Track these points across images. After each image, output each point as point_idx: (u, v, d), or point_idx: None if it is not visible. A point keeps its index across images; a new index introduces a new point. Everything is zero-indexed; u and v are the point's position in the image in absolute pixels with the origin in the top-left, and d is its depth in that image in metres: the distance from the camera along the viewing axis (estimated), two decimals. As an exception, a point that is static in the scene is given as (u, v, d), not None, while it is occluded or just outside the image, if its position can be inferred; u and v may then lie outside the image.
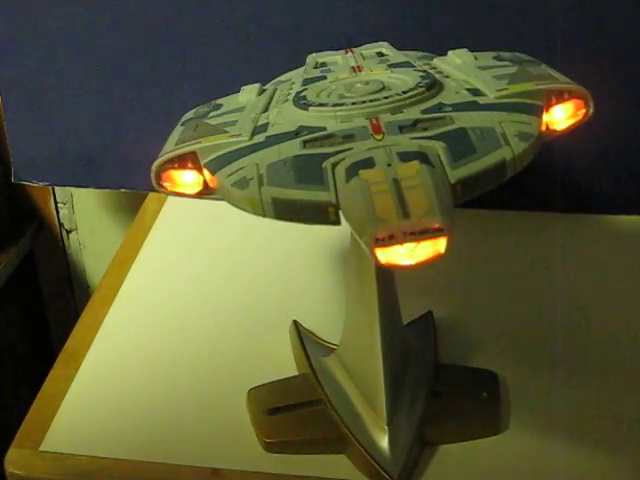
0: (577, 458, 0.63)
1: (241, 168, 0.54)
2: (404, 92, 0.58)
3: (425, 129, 0.54)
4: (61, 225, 1.16)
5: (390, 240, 0.45)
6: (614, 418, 0.67)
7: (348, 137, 0.54)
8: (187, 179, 0.60)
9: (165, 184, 0.61)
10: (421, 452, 0.63)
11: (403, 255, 0.46)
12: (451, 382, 0.67)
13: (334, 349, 0.69)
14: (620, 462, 0.63)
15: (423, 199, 0.46)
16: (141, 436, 0.67)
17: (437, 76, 0.62)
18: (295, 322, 0.74)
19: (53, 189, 1.13)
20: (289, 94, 0.64)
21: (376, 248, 0.45)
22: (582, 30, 0.84)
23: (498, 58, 0.66)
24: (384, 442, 0.62)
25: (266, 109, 0.63)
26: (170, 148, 0.61)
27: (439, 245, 0.45)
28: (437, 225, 0.45)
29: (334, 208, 0.49)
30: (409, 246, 0.45)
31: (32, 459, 0.66)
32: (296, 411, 0.66)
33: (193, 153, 0.59)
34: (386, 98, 0.58)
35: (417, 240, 0.45)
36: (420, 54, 0.71)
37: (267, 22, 0.88)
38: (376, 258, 0.45)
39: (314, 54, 0.74)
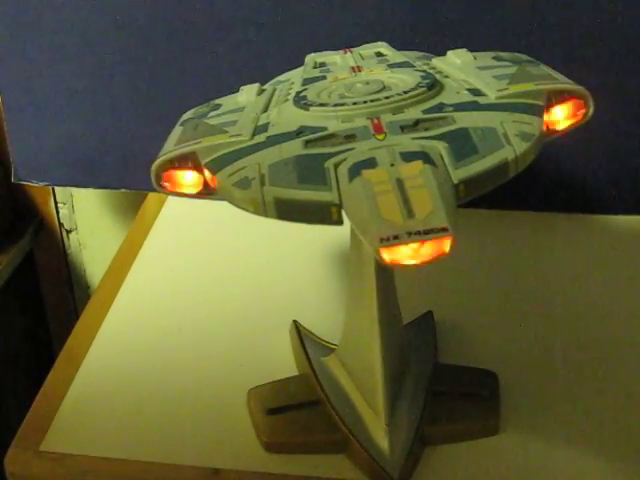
0: (577, 458, 0.63)
1: (242, 168, 0.54)
2: (405, 92, 0.58)
3: (427, 129, 0.54)
4: (61, 225, 1.16)
5: (395, 240, 0.45)
6: (614, 418, 0.67)
7: (350, 137, 0.54)
8: (187, 179, 0.60)
9: (165, 184, 0.61)
10: (421, 452, 0.63)
11: (407, 255, 0.46)
12: (451, 382, 0.67)
13: (334, 349, 0.69)
14: (620, 462, 0.63)
15: (427, 199, 0.46)
16: (141, 436, 0.67)
17: (437, 76, 0.62)
18: (295, 322, 0.74)
19: (53, 189, 1.13)
20: (289, 94, 0.64)
21: (381, 248, 0.45)
22: (582, 30, 0.84)
23: (497, 58, 0.66)
24: (384, 442, 0.62)
25: (266, 109, 0.63)
26: (170, 148, 0.61)
27: (443, 245, 0.45)
28: (442, 225, 0.45)
29: (337, 208, 0.49)
30: (414, 246, 0.45)
31: (32, 459, 0.66)
32: (296, 411, 0.66)
33: (193, 153, 0.59)
34: (387, 98, 0.58)
35: (422, 240, 0.45)
36: (419, 54, 0.71)
37: (267, 22, 0.88)
38: (381, 258, 0.45)
39: (313, 54, 0.74)
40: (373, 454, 0.61)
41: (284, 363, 0.72)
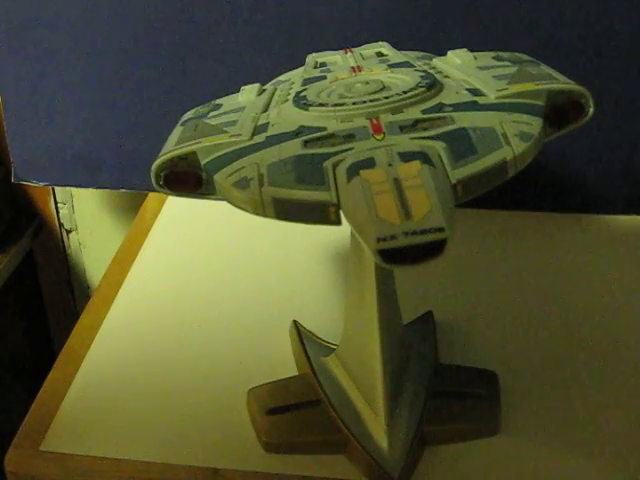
0: (576, 458, 0.63)
1: (241, 168, 0.54)
2: (404, 92, 0.58)
3: (426, 129, 0.54)
4: (61, 225, 1.16)
5: (392, 240, 0.45)
6: (614, 418, 0.67)
7: (349, 137, 0.54)
8: (187, 179, 0.60)
9: (165, 184, 0.61)
10: (421, 452, 0.63)
11: (404, 255, 0.46)
12: (451, 382, 0.67)
13: (334, 349, 0.69)
14: (619, 462, 0.63)
15: (424, 199, 0.46)
16: (141, 436, 0.67)
17: (437, 76, 0.62)
18: (295, 322, 0.74)
19: (53, 189, 1.13)
20: (289, 94, 0.64)
21: (378, 248, 0.45)
22: (582, 30, 0.84)
23: (497, 58, 0.66)
24: (384, 442, 0.62)
25: (266, 109, 0.63)
26: (170, 148, 0.61)
27: (440, 245, 0.45)
28: (439, 225, 0.45)
29: (335, 208, 0.49)
30: (411, 246, 0.45)
31: (32, 459, 0.66)
32: (296, 411, 0.66)
33: (193, 153, 0.59)
34: (386, 98, 0.58)
35: (418, 240, 0.45)
36: (419, 54, 0.71)
37: (267, 22, 0.88)
38: (378, 258, 0.45)
39: (313, 54, 0.74)
40: (373, 454, 0.61)
41: (284, 363, 0.72)
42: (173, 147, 0.61)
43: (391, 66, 0.66)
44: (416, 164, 0.49)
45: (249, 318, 0.78)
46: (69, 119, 0.96)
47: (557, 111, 0.58)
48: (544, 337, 0.75)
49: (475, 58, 0.66)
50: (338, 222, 0.49)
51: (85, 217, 1.16)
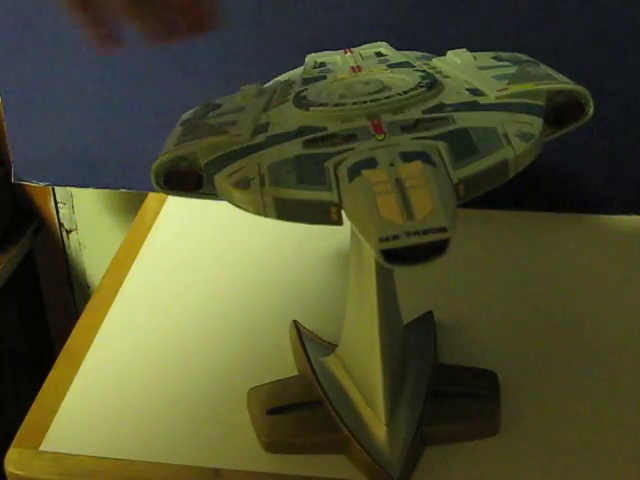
0: (576, 458, 0.63)
1: (242, 168, 0.54)
2: (405, 92, 0.58)
3: (427, 129, 0.54)
4: (61, 225, 1.16)
5: (394, 240, 0.45)
6: (614, 418, 0.67)
7: (350, 137, 0.54)
8: (187, 179, 0.60)
9: (165, 184, 0.61)
10: (421, 452, 0.63)
11: (407, 255, 0.46)
12: (451, 382, 0.67)
13: (334, 349, 0.69)
14: (619, 462, 0.63)
15: (426, 199, 0.46)
16: (141, 436, 0.67)
17: (437, 76, 0.62)
18: (295, 322, 0.74)
19: (53, 189, 1.13)
20: (289, 94, 0.64)
21: (380, 248, 0.45)
22: (582, 30, 0.84)
23: (497, 58, 0.66)
24: (384, 442, 0.62)
25: (266, 109, 0.63)
26: (170, 148, 0.61)
27: (442, 245, 0.45)
28: (441, 225, 0.45)
29: (336, 208, 0.49)
30: (413, 246, 0.45)
31: (32, 459, 0.66)
32: (296, 411, 0.66)
33: (193, 153, 0.59)
34: (387, 98, 0.58)
35: (421, 240, 0.45)
36: (419, 54, 0.71)
37: (267, 22, 0.88)
38: (380, 258, 0.45)
39: (313, 54, 0.74)
40: (373, 454, 0.61)
41: (284, 363, 0.72)
42: (173, 147, 0.61)
43: (391, 66, 0.66)
44: (418, 164, 0.49)
45: (249, 318, 0.78)
46: (69, 119, 0.96)
47: (557, 111, 0.58)
48: (544, 337, 0.75)
49: (475, 58, 0.66)
50: (339, 222, 0.49)
51: (85, 217, 1.16)
